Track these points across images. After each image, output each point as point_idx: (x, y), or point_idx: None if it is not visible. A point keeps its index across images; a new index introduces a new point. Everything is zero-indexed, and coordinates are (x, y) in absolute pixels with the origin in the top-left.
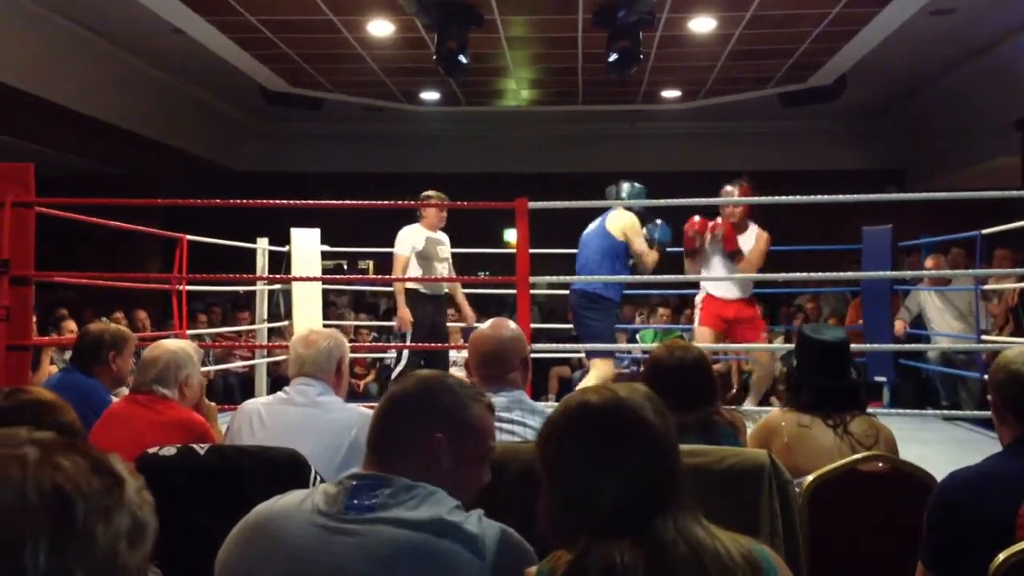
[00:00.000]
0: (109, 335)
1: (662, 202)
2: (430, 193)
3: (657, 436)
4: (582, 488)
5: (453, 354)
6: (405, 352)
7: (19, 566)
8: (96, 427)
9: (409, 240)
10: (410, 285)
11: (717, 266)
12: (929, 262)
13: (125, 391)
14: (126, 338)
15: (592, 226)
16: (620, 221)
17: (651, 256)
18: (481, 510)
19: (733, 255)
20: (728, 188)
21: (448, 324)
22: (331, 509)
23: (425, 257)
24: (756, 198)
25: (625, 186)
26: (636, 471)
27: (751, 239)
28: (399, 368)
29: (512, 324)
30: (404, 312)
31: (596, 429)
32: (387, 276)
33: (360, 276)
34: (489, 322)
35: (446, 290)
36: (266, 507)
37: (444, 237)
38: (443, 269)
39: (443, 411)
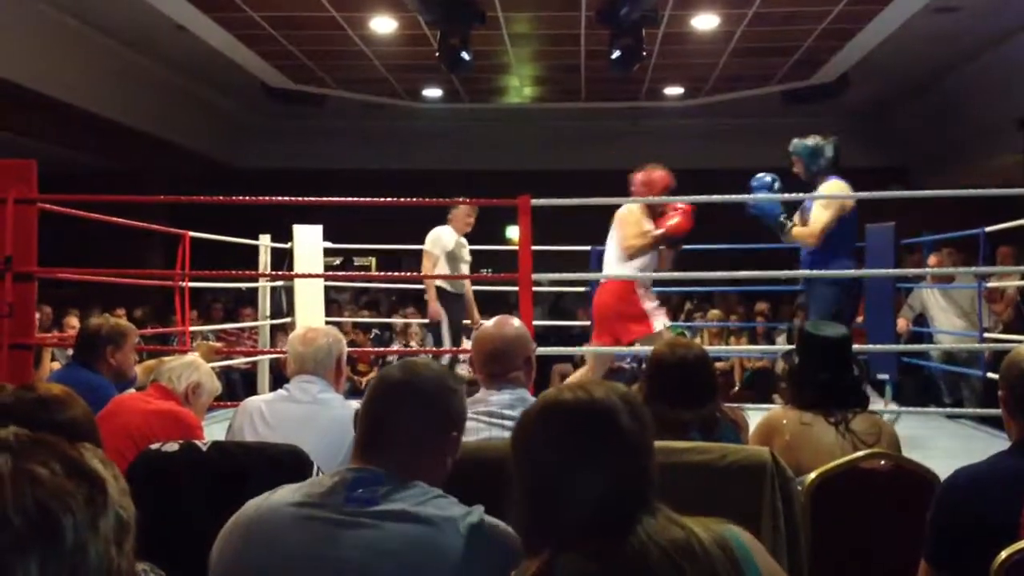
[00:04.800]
0: (107, 330)
1: (663, 199)
2: (460, 200)
3: (628, 438)
4: (548, 487)
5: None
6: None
7: None
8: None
9: (440, 240)
10: (439, 283)
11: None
12: (932, 260)
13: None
14: (125, 333)
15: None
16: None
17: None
18: (481, 507)
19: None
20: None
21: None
22: (329, 501)
23: (453, 258)
24: (758, 196)
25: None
26: (604, 473)
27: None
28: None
29: (516, 322)
30: (435, 306)
31: (565, 427)
32: (413, 273)
33: (363, 273)
34: (493, 320)
35: (468, 291)
36: (259, 502)
37: (465, 241)
38: (467, 271)
39: (445, 410)
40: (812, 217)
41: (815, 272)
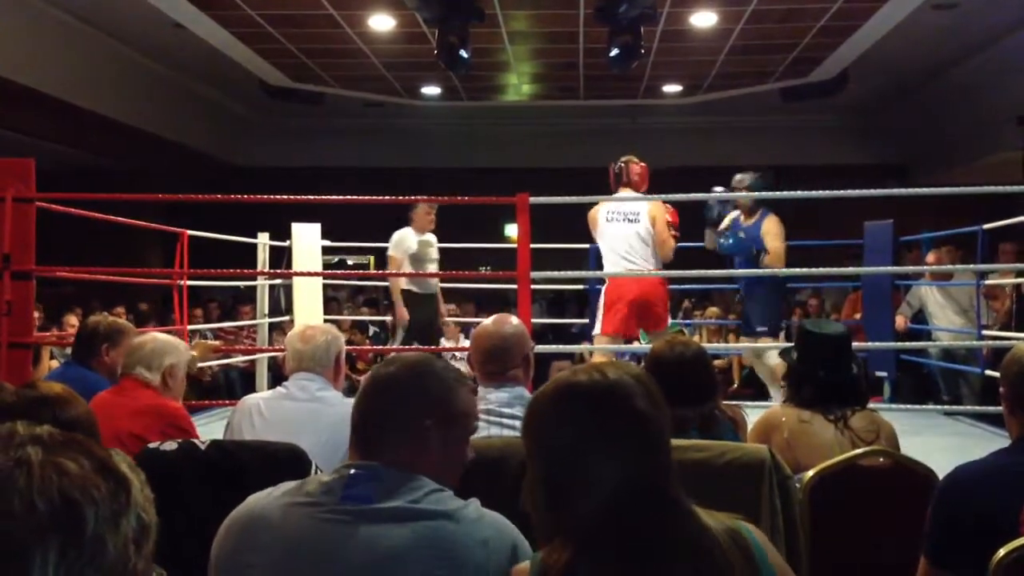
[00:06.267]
0: (104, 328)
1: (663, 196)
2: (420, 199)
3: (645, 421)
4: (563, 473)
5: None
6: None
7: None
8: None
9: (402, 243)
10: (405, 285)
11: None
12: (930, 257)
13: None
14: (122, 330)
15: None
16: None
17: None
18: (477, 500)
19: None
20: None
21: (448, 319)
22: (327, 500)
23: (418, 259)
24: (757, 193)
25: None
26: (621, 457)
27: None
28: None
29: (515, 320)
30: (402, 311)
31: (580, 409)
32: (383, 272)
33: (361, 271)
34: (492, 318)
35: (436, 289)
36: (259, 498)
37: (433, 238)
38: (434, 269)
39: (431, 398)
40: (772, 247)
41: (826, 270)
